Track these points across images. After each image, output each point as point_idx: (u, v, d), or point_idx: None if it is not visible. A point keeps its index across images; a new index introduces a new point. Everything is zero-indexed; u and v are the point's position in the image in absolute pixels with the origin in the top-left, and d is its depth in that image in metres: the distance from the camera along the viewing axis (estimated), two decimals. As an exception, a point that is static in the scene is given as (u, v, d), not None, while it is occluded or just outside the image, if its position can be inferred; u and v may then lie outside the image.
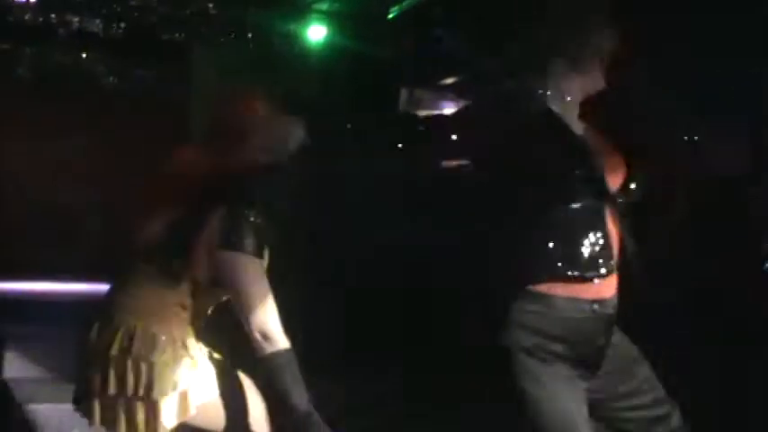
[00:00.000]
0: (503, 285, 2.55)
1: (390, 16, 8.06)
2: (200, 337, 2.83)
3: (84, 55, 8.61)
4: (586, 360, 2.54)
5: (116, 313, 2.77)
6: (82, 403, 2.78)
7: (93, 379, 2.71)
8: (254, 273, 2.67)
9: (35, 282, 7.97)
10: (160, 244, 2.76)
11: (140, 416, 2.68)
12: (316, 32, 8.38)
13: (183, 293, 2.77)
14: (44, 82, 8.70)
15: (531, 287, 2.48)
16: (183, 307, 2.77)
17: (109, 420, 2.72)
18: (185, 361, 2.72)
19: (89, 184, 8.61)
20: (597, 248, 2.48)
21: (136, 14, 8.49)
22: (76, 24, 8.40)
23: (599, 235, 2.49)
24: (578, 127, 2.61)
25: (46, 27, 8.34)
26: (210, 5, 8.46)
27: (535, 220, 2.49)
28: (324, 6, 8.43)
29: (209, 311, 2.87)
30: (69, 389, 2.94)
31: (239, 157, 2.75)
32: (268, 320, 2.66)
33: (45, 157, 8.81)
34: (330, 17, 8.39)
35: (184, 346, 2.75)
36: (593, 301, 2.51)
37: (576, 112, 2.62)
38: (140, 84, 9.38)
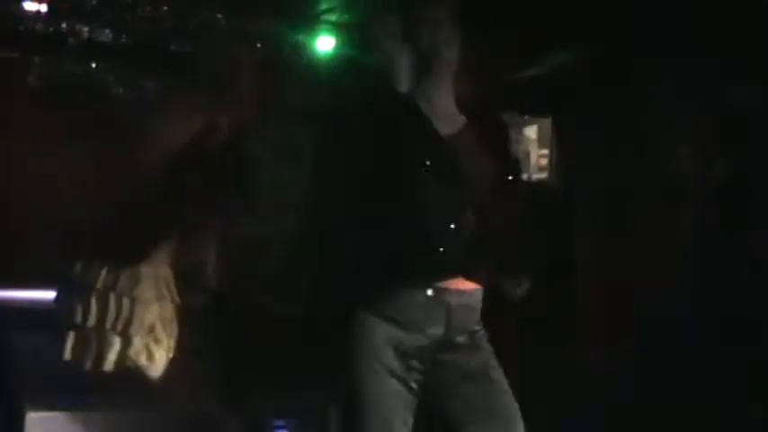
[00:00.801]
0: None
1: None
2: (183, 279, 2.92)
3: (93, 65, 8.62)
4: None
5: (106, 255, 2.76)
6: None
7: (73, 312, 2.74)
8: (211, 217, 2.76)
9: (43, 290, 7.96)
10: (155, 191, 2.81)
11: (113, 350, 2.66)
12: (324, 43, 8.39)
13: (169, 235, 2.80)
14: (53, 91, 8.73)
15: None
16: (169, 248, 2.78)
17: (78, 353, 2.74)
18: (166, 302, 2.73)
19: (98, 193, 8.62)
20: None
21: (145, 25, 8.51)
22: (86, 34, 8.43)
23: None
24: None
25: (56, 37, 8.36)
26: (219, 16, 8.48)
27: None
28: (333, 17, 8.43)
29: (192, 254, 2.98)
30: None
31: (238, 110, 2.90)
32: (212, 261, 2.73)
33: (53, 165, 8.84)
34: (339, 28, 8.39)
35: (167, 287, 2.76)
36: None
37: None
38: (149, 94, 9.39)
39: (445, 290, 2.57)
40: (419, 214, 2.56)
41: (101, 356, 2.79)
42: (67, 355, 2.80)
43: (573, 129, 8.19)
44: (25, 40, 8.34)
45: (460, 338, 2.64)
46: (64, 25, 8.33)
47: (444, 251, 2.56)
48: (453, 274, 2.59)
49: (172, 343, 2.73)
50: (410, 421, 2.57)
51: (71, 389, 4.50)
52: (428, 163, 2.58)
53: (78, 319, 2.80)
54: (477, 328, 2.73)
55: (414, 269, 2.54)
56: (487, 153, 2.81)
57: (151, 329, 2.72)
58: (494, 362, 2.71)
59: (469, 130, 2.79)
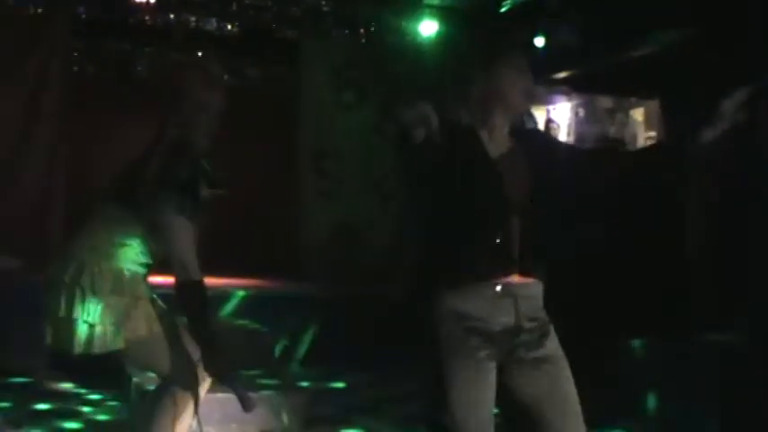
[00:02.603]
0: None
1: (503, 10, 7.97)
2: (145, 278, 3.28)
3: (199, 53, 8.77)
4: None
5: (74, 249, 3.25)
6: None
7: (48, 304, 3.16)
8: (177, 208, 3.11)
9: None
10: (118, 187, 3.24)
11: (81, 338, 3.13)
12: (428, 27, 8.36)
13: (131, 232, 3.20)
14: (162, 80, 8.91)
15: None
16: (131, 245, 3.21)
17: (56, 341, 3.20)
18: (128, 295, 3.18)
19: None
20: None
21: (250, 13, 8.62)
22: (193, 24, 8.57)
23: None
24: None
25: (163, 27, 8.52)
26: (323, 2, 8.53)
27: None
28: (436, 1, 8.39)
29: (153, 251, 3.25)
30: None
31: (178, 114, 3.24)
32: (186, 253, 3.14)
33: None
34: (442, 12, 8.35)
35: (128, 282, 3.20)
36: None
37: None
38: (255, 81, 9.50)
39: (510, 284, 2.89)
40: (478, 223, 2.90)
41: (72, 344, 3.13)
42: (48, 341, 3.19)
43: (682, 111, 8.03)
44: (135, 31, 8.53)
45: (529, 325, 2.92)
46: (171, 16, 8.48)
47: (501, 252, 2.89)
48: (513, 270, 2.90)
49: (130, 332, 3.08)
50: (492, 402, 2.86)
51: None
52: (482, 180, 2.95)
53: (53, 308, 3.14)
54: (542, 315, 2.99)
55: (479, 268, 2.88)
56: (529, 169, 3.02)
57: (111, 319, 3.02)
58: (560, 350, 2.97)
59: (513, 152, 3.04)
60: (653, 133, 8.39)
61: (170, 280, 3.24)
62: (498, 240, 2.88)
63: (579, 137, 8.49)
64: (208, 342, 3.19)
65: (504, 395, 2.89)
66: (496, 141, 3.03)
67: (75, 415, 5.14)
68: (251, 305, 6.97)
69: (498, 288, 2.87)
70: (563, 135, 8.47)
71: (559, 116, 8.45)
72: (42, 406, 5.38)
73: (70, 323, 3.15)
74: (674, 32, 7.04)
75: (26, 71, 7.49)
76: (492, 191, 2.92)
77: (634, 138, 8.52)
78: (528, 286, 2.94)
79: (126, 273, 3.22)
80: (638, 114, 8.54)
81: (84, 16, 8.18)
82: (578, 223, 3.36)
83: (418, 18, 8.42)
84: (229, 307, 6.91)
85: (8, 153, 7.39)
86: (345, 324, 6.69)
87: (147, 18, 8.47)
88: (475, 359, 2.84)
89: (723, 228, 7.63)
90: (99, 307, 3.15)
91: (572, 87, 8.46)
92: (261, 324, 6.45)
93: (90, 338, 3.16)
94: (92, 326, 3.15)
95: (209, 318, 3.22)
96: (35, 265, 3.74)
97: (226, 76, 9.15)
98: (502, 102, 3.01)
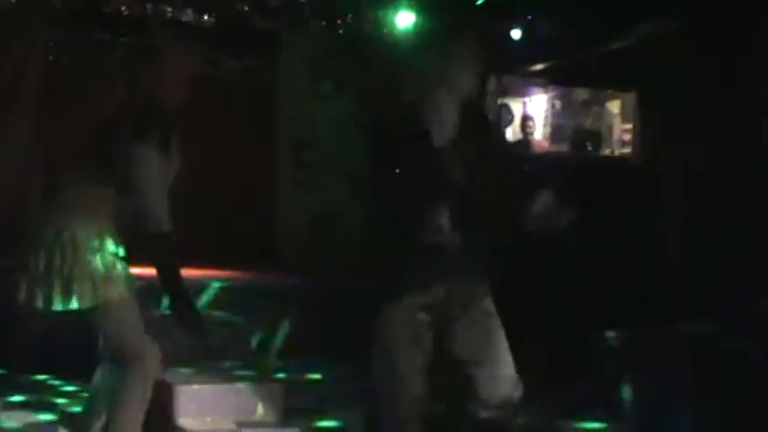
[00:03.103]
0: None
1: (480, 1, 7.98)
2: (120, 238, 3.38)
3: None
4: None
5: (53, 210, 3.39)
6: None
7: (27, 260, 3.28)
8: (152, 161, 3.22)
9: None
10: (91, 145, 3.36)
11: (57, 292, 3.23)
12: (405, 19, 8.36)
13: (107, 193, 3.30)
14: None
15: None
16: (107, 206, 3.32)
17: (30, 296, 3.29)
18: (104, 255, 3.28)
19: (184, 170, 8.74)
20: None
21: (228, 3, 8.59)
22: (169, 14, 8.53)
23: None
24: None
25: (140, 17, 8.47)
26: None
27: None
28: (412, -7, 8.40)
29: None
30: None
31: (155, 78, 3.39)
32: (159, 205, 3.24)
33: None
34: (419, 3, 8.35)
35: (107, 244, 3.30)
36: None
37: None
38: (232, 72, 9.46)
39: (445, 253, 3.31)
40: (419, 200, 3.30)
41: (48, 299, 3.24)
42: (22, 296, 3.29)
43: (659, 103, 8.08)
44: (111, 21, 8.48)
45: (462, 288, 3.35)
46: (148, 6, 8.44)
47: (439, 225, 3.29)
48: (450, 247, 3.31)
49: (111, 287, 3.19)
50: (420, 358, 3.34)
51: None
52: (423, 162, 3.31)
53: (31, 266, 3.26)
54: (479, 289, 3.40)
55: (418, 244, 3.30)
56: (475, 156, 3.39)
57: (90, 276, 3.21)
58: (492, 317, 3.40)
59: (457, 142, 3.37)
60: (628, 125, 8.44)
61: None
62: (436, 214, 3.28)
63: (555, 128, 8.53)
64: (177, 290, 3.30)
65: (445, 347, 3.36)
66: (442, 126, 3.35)
67: (49, 407, 5.14)
68: (228, 296, 6.96)
69: (434, 256, 3.30)
70: (539, 129, 8.51)
71: (535, 108, 8.48)
72: (17, 398, 5.37)
73: (49, 279, 3.25)
74: (650, 25, 7.08)
75: (2, 61, 7.45)
76: (431, 173, 3.28)
77: (610, 130, 8.57)
78: (463, 256, 3.33)
79: (104, 233, 3.31)
80: (614, 107, 8.58)
81: (60, 6, 8.12)
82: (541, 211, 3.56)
83: (396, 9, 8.42)
84: (206, 298, 6.89)
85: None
86: (323, 315, 6.69)
87: (123, 8, 8.43)
88: (410, 313, 3.31)
89: (696, 219, 7.70)
90: (78, 264, 3.24)
91: (548, 79, 8.50)
92: (238, 315, 6.46)
93: (68, 294, 3.24)
94: (70, 282, 3.24)
95: (177, 267, 3.31)
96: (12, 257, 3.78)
97: (204, 67, 9.16)
98: (448, 87, 3.34)
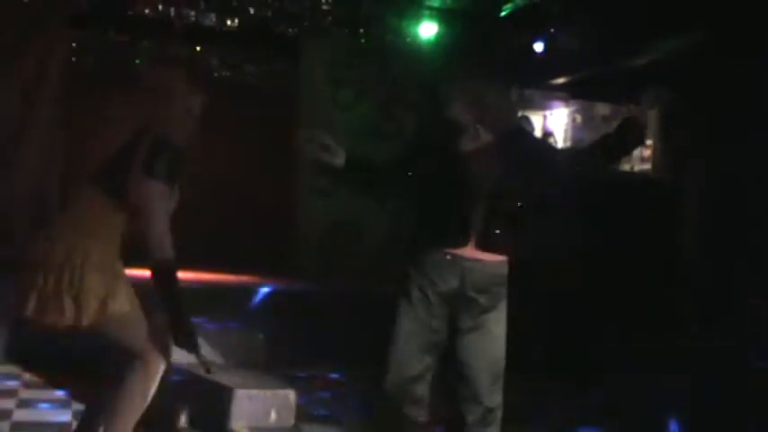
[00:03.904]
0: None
1: (503, 14, 7.98)
2: (126, 257, 3.59)
3: (198, 48, 8.77)
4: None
5: (61, 228, 3.56)
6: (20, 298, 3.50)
7: (35, 278, 3.44)
8: (160, 194, 3.45)
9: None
10: (104, 171, 3.53)
11: (67, 310, 3.42)
12: (427, 29, 8.36)
13: (116, 214, 3.51)
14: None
15: None
16: (116, 226, 3.53)
17: (39, 312, 3.44)
18: (110, 273, 3.50)
19: (203, 175, 8.75)
20: None
21: (250, 9, 8.62)
22: (192, 18, 8.56)
23: None
24: None
25: (163, 20, 8.51)
26: (324, 0, 8.53)
27: None
28: (436, 3, 8.40)
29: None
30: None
31: (165, 114, 3.59)
32: (164, 234, 3.44)
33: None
34: (442, 14, 8.36)
35: (112, 261, 3.53)
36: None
37: None
38: (253, 77, 9.49)
39: (459, 256, 3.54)
40: (439, 205, 3.58)
41: (59, 315, 3.44)
42: (30, 311, 3.47)
43: (679, 120, 8.06)
44: (135, 24, 8.52)
45: (474, 294, 3.57)
46: (171, 9, 8.48)
47: (457, 229, 3.55)
48: (466, 245, 3.53)
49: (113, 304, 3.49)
50: (425, 350, 3.62)
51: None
52: (447, 170, 3.57)
53: (40, 282, 3.45)
54: (495, 290, 3.62)
55: (435, 240, 3.58)
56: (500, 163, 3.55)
57: (98, 294, 3.45)
58: (498, 320, 3.64)
59: (488, 147, 3.55)
60: (649, 141, 8.42)
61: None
62: (455, 220, 3.54)
63: (575, 143, 8.51)
64: (176, 310, 3.49)
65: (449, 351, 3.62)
66: (471, 137, 3.55)
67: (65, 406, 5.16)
68: (243, 302, 6.98)
69: (448, 257, 3.55)
70: (559, 143, 8.49)
71: (556, 121, 8.47)
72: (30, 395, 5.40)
73: (59, 296, 3.43)
74: (673, 41, 7.06)
75: (25, 61, 7.49)
76: (455, 180, 3.53)
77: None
78: (480, 261, 3.57)
79: (110, 252, 3.55)
80: (634, 122, 8.56)
81: (83, 7, 8.16)
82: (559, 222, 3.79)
83: (418, 19, 8.43)
84: (221, 303, 6.91)
85: (5, 143, 7.38)
86: (341, 321, 6.69)
87: (147, 11, 8.47)
88: (418, 307, 3.60)
89: (715, 234, 7.68)
90: (88, 284, 3.45)
91: (570, 93, 8.48)
92: (255, 320, 6.47)
93: (78, 312, 3.44)
94: (78, 299, 3.44)
95: (177, 289, 3.50)
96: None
97: (224, 72, 9.21)
98: (474, 105, 3.52)
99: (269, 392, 5.13)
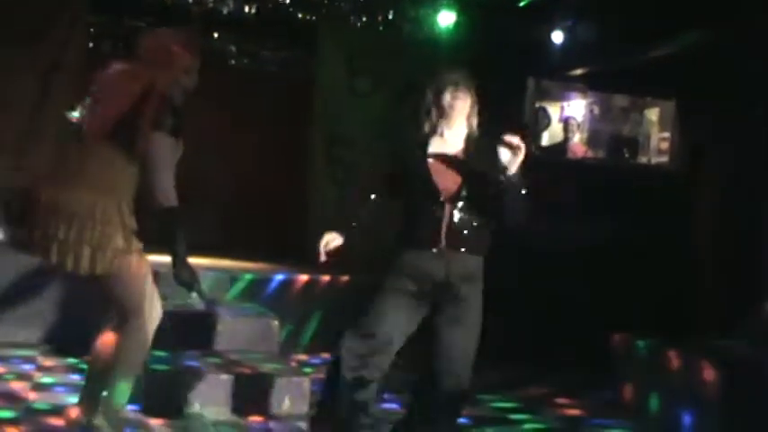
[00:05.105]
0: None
1: (521, 4, 7.95)
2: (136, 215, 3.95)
3: (215, 35, 8.76)
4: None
5: (77, 184, 3.88)
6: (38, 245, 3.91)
7: (56, 229, 3.81)
8: (166, 146, 3.84)
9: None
10: (116, 129, 3.86)
11: (85, 258, 3.82)
12: (445, 18, 8.33)
13: (128, 168, 3.87)
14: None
15: None
16: (128, 181, 3.90)
17: (61, 259, 3.83)
18: (125, 227, 3.87)
19: (219, 162, 8.75)
20: None
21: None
22: (210, 5, 8.55)
23: None
24: None
25: (180, 8, 8.50)
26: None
27: None
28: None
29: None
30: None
31: (167, 75, 3.97)
32: (169, 182, 3.84)
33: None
34: (461, 3, 8.33)
35: (126, 215, 3.88)
36: None
37: None
38: (270, 65, 9.47)
39: (443, 250, 3.96)
40: (422, 206, 4.00)
41: (77, 262, 3.84)
42: (53, 259, 3.87)
43: (698, 112, 8.02)
44: (151, 11, 8.50)
45: (456, 281, 3.98)
46: (189, -4, 8.46)
47: (437, 227, 3.96)
48: (446, 241, 3.95)
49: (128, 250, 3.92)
50: (405, 325, 4.03)
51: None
52: (421, 175, 4.02)
53: (61, 233, 3.84)
54: (474, 280, 4.03)
55: (421, 237, 3.99)
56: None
57: (112, 245, 3.86)
58: (476, 308, 4.03)
59: (462, 152, 4.05)
60: (666, 134, 8.37)
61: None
62: (433, 219, 3.94)
63: (592, 134, 8.47)
64: (180, 251, 3.88)
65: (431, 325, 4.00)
66: (442, 146, 4.05)
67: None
68: (259, 289, 6.99)
69: (435, 251, 3.96)
70: (579, 132, 8.44)
71: (573, 113, 8.42)
72: (47, 380, 5.42)
73: (79, 246, 3.81)
74: (691, 33, 7.02)
75: (43, 46, 7.50)
76: (425, 187, 3.97)
77: (647, 138, 8.50)
78: (459, 254, 3.97)
79: (124, 206, 3.89)
80: (652, 114, 8.51)
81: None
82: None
83: (436, 8, 8.40)
84: (237, 290, 6.92)
85: (23, 128, 7.41)
86: (352, 310, 6.68)
87: (163, -1, 8.45)
88: (401, 293, 4.00)
89: (730, 229, 7.64)
90: (105, 236, 3.83)
91: (587, 84, 8.44)
92: (267, 308, 6.47)
93: (93, 261, 3.83)
94: (96, 250, 3.82)
95: (181, 232, 3.88)
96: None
97: (242, 60, 9.19)
98: (443, 113, 4.03)
99: (283, 380, 5.15)
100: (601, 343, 6.27)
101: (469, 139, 4.05)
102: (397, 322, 4.00)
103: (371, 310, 4.02)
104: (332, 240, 4.13)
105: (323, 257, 4.10)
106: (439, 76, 4.08)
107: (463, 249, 3.96)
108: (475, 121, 4.06)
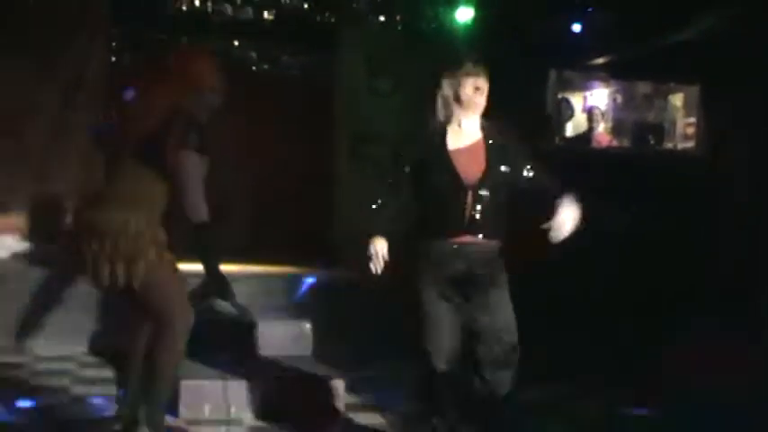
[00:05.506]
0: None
1: (539, -5, 7.92)
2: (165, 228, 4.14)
3: (236, 43, 8.79)
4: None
5: (110, 202, 4.05)
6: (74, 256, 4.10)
7: (90, 245, 3.98)
8: (193, 163, 4.01)
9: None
10: (145, 148, 4.04)
11: (120, 272, 3.97)
12: (463, 14, 8.31)
13: (158, 185, 4.04)
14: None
15: None
16: (158, 197, 4.07)
17: (96, 274, 4.00)
18: (156, 241, 4.05)
19: (246, 169, 8.77)
20: None
21: (287, 1, 8.60)
22: (229, 12, 8.57)
23: None
24: None
25: (200, 16, 8.53)
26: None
27: None
28: (472, -13, 8.33)
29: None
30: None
31: (194, 94, 4.17)
32: (199, 198, 3.99)
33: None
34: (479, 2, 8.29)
35: (156, 229, 4.07)
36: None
37: None
38: (290, 70, 9.49)
39: (462, 242, 4.05)
40: (440, 199, 4.06)
41: (113, 274, 4.00)
42: (90, 270, 4.03)
43: (724, 97, 7.95)
44: (171, 20, 8.54)
45: (480, 271, 4.07)
46: (208, 4, 8.49)
47: (456, 220, 4.04)
48: (466, 232, 4.04)
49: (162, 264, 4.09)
50: (454, 323, 4.09)
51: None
52: (440, 168, 4.09)
53: (95, 248, 4.00)
54: (496, 266, 4.12)
55: (441, 231, 4.07)
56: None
57: (145, 259, 4.01)
58: (504, 291, 4.12)
59: (477, 144, 4.11)
60: (692, 119, 8.31)
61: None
62: (456, 206, 4.00)
63: (616, 123, 8.42)
64: (213, 265, 4.07)
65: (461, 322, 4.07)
66: (460, 135, 4.12)
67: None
68: (290, 292, 7.01)
69: (455, 246, 4.05)
70: (603, 121, 8.40)
71: (596, 102, 8.38)
72: (84, 390, 5.47)
73: (113, 261, 3.97)
74: (713, 16, 6.97)
75: (65, 60, 7.55)
76: (447, 176, 4.03)
77: (673, 123, 8.44)
78: (479, 245, 4.06)
79: (154, 221, 4.08)
80: (677, 100, 8.45)
81: (121, 5, 8.20)
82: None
83: (455, 4, 8.38)
84: (268, 294, 6.94)
85: (46, 140, 7.47)
86: (380, 311, 6.69)
87: (183, 7, 8.48)
88: (436, 291, 4.06)
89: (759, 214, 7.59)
90: (139, 250, 3.98)
91: (610, 73, 8.39)
92: (295, 310, 6.49)
93: (129, 275, 3.99)
94: (131, 264, 3.99)
95: (214, 245, 4.06)
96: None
97: (263, 65, 9.20)
98: (461, 103, 4.11)
99: (317, 383, 5.17)
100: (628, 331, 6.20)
101: (487, 128, 4.13)
102: (452, 327, 4.08)
103: (427, 328, 4.07)
104: (383, 246, 4.10)
105: (380, 264, 4.08)
106: (456, 67, 4.14)
107: (482, 236, 4.04)
108: (488, 111, 4.14)
